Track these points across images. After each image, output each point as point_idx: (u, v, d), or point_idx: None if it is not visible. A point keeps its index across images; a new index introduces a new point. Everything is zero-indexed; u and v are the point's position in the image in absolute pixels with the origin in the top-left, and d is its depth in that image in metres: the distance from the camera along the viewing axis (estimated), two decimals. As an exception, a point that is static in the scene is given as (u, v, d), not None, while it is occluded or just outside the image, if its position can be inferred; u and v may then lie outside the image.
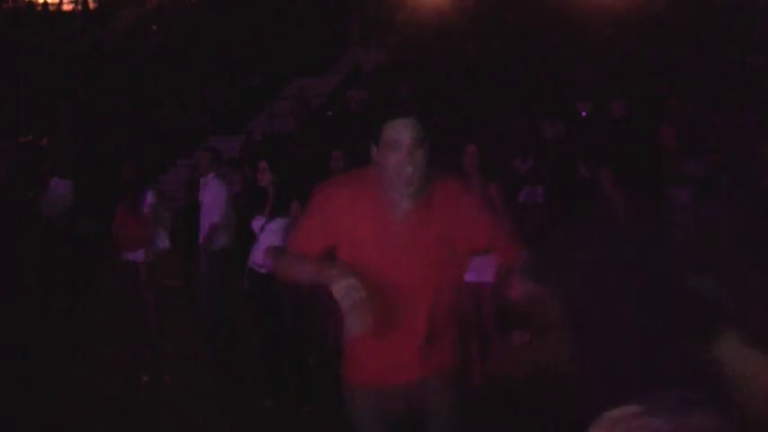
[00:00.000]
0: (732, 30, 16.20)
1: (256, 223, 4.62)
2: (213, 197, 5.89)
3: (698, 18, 17.34)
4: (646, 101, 14.24)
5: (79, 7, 19.49)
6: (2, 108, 16.74)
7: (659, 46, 16.50)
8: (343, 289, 2.03)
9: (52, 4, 24.16)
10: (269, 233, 4.50)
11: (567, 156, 12.98)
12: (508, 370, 4.97)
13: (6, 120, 17.66)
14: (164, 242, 5.96)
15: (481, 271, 4.57)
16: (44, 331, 6.02)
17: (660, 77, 15.16)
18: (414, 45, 19.16)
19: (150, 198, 5.79)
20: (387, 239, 2.20)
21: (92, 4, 26.01)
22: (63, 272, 6.47)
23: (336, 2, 23.01)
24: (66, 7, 20.70)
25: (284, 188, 4.59)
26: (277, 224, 4.52)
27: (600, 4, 18.84)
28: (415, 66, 17.94)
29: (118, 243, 5.72)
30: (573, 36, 18.42)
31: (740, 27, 16.14)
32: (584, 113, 14.62)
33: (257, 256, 4.56)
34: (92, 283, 6.76)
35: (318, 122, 16.73)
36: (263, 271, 4.52)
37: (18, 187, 6.18)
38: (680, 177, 3.34)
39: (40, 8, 24.76)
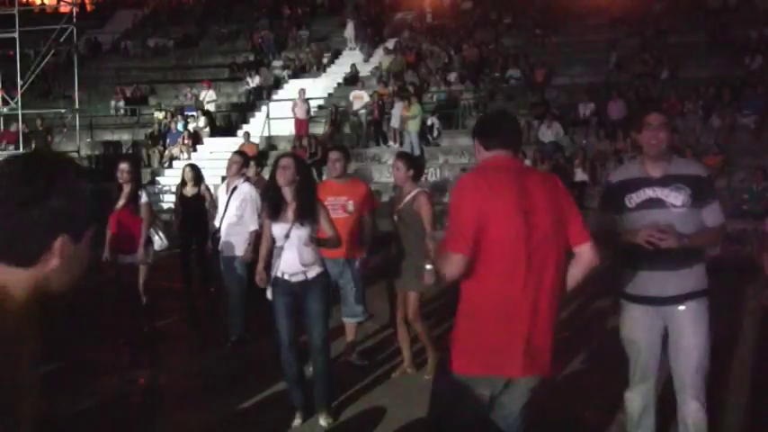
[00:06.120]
0: (730, 31, 16.22)
1: (279, 229, 4.11)
2: (244, 203, 5.93)
3: (696, 19, 17.36)
4: (644, 102, 14.25)
5: (77, 9, 19.45)
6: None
7: (657, 47, 16.50)
8: None
9: (49, 6, 24.16)
10: (296, 239, 4.05)
11: (565, 157, 13.01)
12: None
13: (4, 121, 17.64)
14: (161, 241, 5.95)
15: None
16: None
17: (658, 79, 15.17)
18: (411, 46, 19.16)
19: (143, 198, 5.77)
20: None
21: (89, 7, 26.01)
22: None
23: (334, 3, 23.03)
24: (64, 9, 20.67)
25: (311, 190, 4.15)
26: (306, 230, 4.04)
27: (597, 5, 18.86)
28: (413, 67, 17.94)
29: (115, 245, 5.68)
30: (572, 37, 18.43)
31: (738, 28, 16.16)
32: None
33: (287, 266, 4.11)
34: None
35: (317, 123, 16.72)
36: (293, 279, 4.13)
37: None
38: (672, 178, 3.14)
39: (37, 10, 24.76)
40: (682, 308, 3.12)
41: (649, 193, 3.14)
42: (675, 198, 3.10)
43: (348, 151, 5.73)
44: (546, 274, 2.57)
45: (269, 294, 4.25)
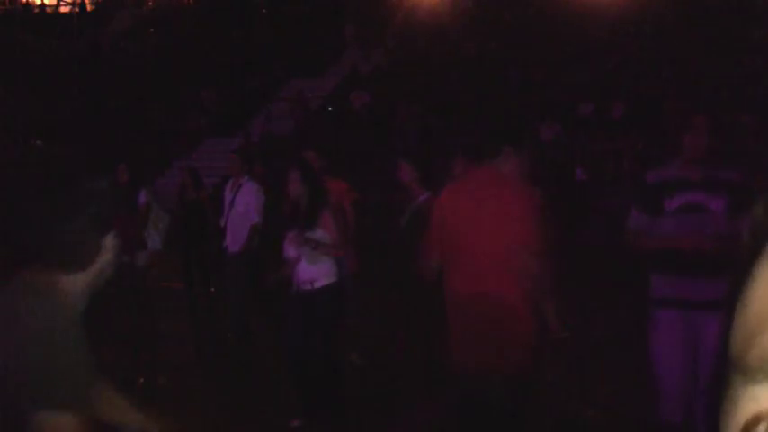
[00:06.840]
0: (730, 31, 16.22)
1: (292, 239, 4.19)
2: (249, 200, 5.95)
3: (695, 19, 17.36)
4: (644, 102, 14.26)
5: (76, 9, 19.45)
6: (-1, 110, 16.70)
7: (657, 48, 16.50)
8: None
9: (49, 6, 24.14)
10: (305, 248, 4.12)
11: (566, 158, 13.00)
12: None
13: (3, 122, 17.61)
14: (155, 243, 5.96)
15: None
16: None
17: (658, 79, 15.16)
18: (411, 46, 19.15)
19: (143, 198, 5.79)
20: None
21: (89, 6, 25.99)
22: None
23: (333, 3, 23.01)
24: (64, 9, 20.66)
25: (318, 199, 4.17)
26: (315, 237, 4.11)
27: (597, 5, 18.86)
28: (413, 67, 17.92)
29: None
30: (571, 37, 18.42)
31: (738, 28, 16.16)
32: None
33: (297, 274, 4.19)
34: None
35: (318, 123, 16.70)
36: (302, 288, 4.19)
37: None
38: (713, 183, 3.00)
39: (37, 10, 24.74)
40: (715, 318, 2.96)
41: (689, 196, 3.03)
42: (716, 203, 3.01)
43: (324, 151, 5.73)
44: (495, 279, 2.79)
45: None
